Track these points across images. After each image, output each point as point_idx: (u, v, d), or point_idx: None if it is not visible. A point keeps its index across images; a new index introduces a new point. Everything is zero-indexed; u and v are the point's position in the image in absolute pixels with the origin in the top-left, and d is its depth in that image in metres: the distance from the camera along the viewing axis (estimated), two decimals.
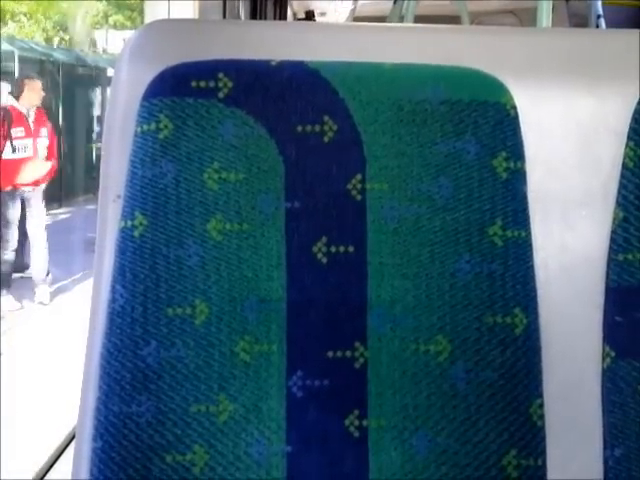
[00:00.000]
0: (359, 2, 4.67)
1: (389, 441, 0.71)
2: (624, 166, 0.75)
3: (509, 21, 3.99)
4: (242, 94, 0.74)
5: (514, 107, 0.74)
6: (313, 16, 4.17)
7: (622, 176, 0.75)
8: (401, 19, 3.21)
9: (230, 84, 0.74)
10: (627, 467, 0.72)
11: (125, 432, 0.71)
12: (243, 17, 2.15)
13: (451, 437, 0.70)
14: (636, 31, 0.81)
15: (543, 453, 0.71)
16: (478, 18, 3.67)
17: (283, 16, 2.85)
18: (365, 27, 0.87)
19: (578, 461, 0.74)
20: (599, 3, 3.03)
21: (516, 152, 0.74)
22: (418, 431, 0.71)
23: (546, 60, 0.79)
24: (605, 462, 0.73)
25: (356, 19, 4.72)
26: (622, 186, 0.75)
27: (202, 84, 0.74)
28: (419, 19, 3.02)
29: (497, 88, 0.75)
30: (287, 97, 0.74)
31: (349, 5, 4.87)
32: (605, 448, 0.73)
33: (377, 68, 0.76)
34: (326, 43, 0.81)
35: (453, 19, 3.18)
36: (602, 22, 3.03)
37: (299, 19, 4.09)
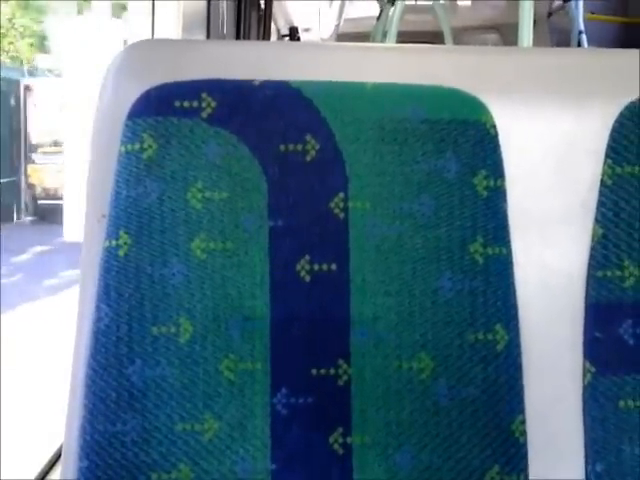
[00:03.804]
0: (343, 19, 4.70)
1: (373, 458, 0.71)
2: (602, 184, 0.76)
3: (491, 37, 4.03)
4: (225, 114, 0.75)
5: (494, 126, 0.75)
6: (297, 32, 4.19)
7: (600, 194, 0.76)
8: (384, 35, 3.23)
9: (213, 104, 0.74)
10: None
11: (111, 451, 0.71)
12: (227, 35, 2.16)
13: (434, 453, 0.71)
14: (614, 50, 0.82)
15: (525, 469, 0.72)
16: (460, 34, 3.69)
17: (267, 33, 2.86)
18: (347, 47, 0.88)
19: (560, 476, 0.74)
20: (581, 19, 3.06)
21: (496, 170, 0.75)
22: (401, 447, 0.71)
23: (526, 79, 0.80)
24: (587, 477, 0.74)
25: (340, 35, 4.74)
26: (601, 204, 0.76)
27: (186, 104, 0.74)
28: (402, 35, 3.04)
29: (477, 107, 0.76)
30: (270, 116, 0.75)
31: (333, 21, 4.90)
32: (587, 463, 0.74)
33: (359, 87, 0.77)
34: (309, 62, 0.82)
35: (436, 35, 3.21)
36: (584, 38, 3.07)
37: (283, 36, 4.10)
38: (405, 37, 3.09)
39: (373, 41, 3.70)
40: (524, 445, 0.72)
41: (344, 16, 4.73)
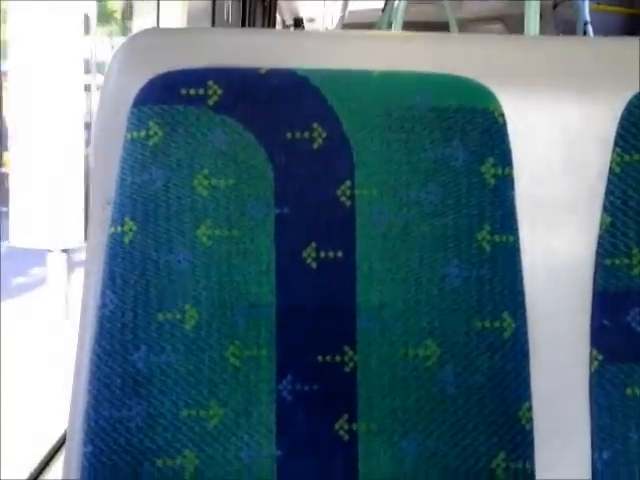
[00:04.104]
0: (348, 9, 4.69)
1: (379, 445, 0.71)
2: (611, 172, 0.76)
3: (496, 28, 4.02)
4: (231, 101, 0.74)
5: (502, 114, 0.75)
6: (302, 23, 4.19)
7: (609, 182, 0.76)
8: (390, 26, 3.23)
9: (219, 91, 0.74)
10: (615, 470, 0.73)
11: (115, 436, 0.71)
12: (232, 26, 2.16)
13: (440, 440, 0.71)
14: (623, 39, 0.82)
15: (531, 456, 0.72)
16: (465, 25, 3.68)
17: (272, 23, 2.86)
18: (354, 35, 0.87)
19: (566, 464, 0.74)
20: (586, 10, 3.05)
21: (504, 158, 0.74)
22: (407, 435, 0.71)
23: (534, 67, 0.80)
24: (593, 465, 0.74)
25: (345, 26, 4.74)
26: (609, 192, 0.76)
27: (192, 92, 0.74)
28: (407, 25, 3.04)
29: (485, 95, 0.75)
30: (276, 104, 0.75)
31: (338, 12, 4.89)
32: (593, 451, 0.74)
33: (366, 75, 0.77)
34: (315, 51, 0.82)
35: (441, 25, 3.20)
36: (589, 28, 3.06)
37: (288, 26, 4.10)
38: (410, 28, 3.09)
39: None
40: (530, 432, 0.72)
41: (349, 7, 4.73)
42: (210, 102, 0.74)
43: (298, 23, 4.18)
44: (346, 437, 0.71)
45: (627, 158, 0.75)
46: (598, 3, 3.28)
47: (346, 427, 0.71)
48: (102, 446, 0.71)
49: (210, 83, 0.74)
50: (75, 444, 0.74)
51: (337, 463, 0.71)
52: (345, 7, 4.75)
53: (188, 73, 0.76)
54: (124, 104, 0.76)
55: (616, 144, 0.76)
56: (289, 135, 0.74)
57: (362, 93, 0.75)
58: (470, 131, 0.74)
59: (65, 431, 0.77)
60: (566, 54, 0.81)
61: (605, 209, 0.75)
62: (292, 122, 0.74)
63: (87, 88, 2.04)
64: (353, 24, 4.55)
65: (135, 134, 0.74)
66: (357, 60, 0.79)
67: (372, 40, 0.85)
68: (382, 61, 0.79)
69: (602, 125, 0.77)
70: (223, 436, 0.71)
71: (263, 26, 2.82)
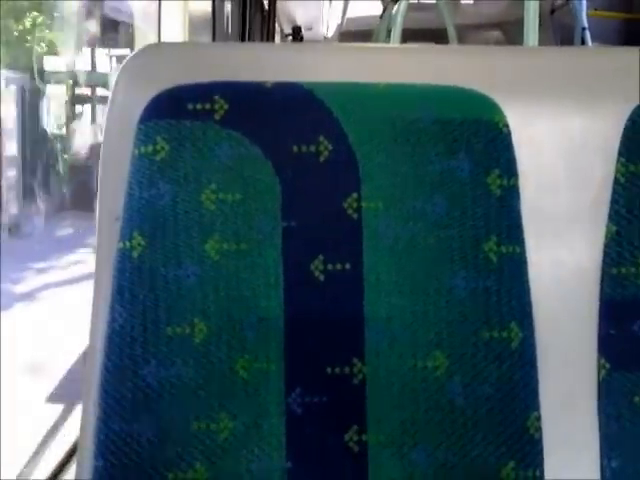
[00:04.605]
0: (345, 17, 4.70)
1: (388, 456, 0.71)
2: (616, 181, 0.76)
3: (494, 35, 4.03)
4: (238, 116, 0.75)
5: (506, 125, 0.75)
6: (300, 31, 4.20)
7: (614, 191, 0.76)
8: (388, 33, 3.24)
9: (226, 106, 0.75)
10: (624, 478, 0.73)
11: (126, 450, 0.71)
12: (231, 35, 2.16)
13: (449, 451, 0.71)
14: (625, 49, 0.82)
15: (541, 465, 0.72)
16: (463, 32, 3.69)
17: (271, 33, 2.87)
18: (357, 47, 0.88)
19: (575, 472, 0.75)
20: (584, 16, 3.06)
21: (509, 169, 0.75)
22: (417, 446, 0.71)
23: (537, 78, 0.80)
24: (602, 473, 0.74)
25: (343, 34, 4.75)
26: (614, 201, 0.76)
27: (198, 106, 0.75)
28: (405, 33, 3.05)
29: (489, 106, 0.76)
30: (282, 118, 0.75)
31: (336, 20, 4.90)
32: (602, 459, 0.74)
33: (371, 88, 0.77)
34: (318, 64, 0.82)
35: (439, 33, 3.21)
36: (587, 34, 3.07)
37: (287, 35, 4.11)
38: (408, 35, 3.10)
39: (376, 39, 3.70)
40: (539, 441, 0.72)
41: (347, 15, 4.74)
42: (216, 117, 0.75)
43: (297, 32, 4.19)
44: (356, 448, 0.71)
45: (632, 168, 0.76)
46: (595, 8, 3.29)
47: (356, 438, 0.71)
48: (113, 460, 0.71)
49: (216, 98, 0.75)
50: (86, 458, 0.74)
51: (347, 475, 0.71)
52: (343, 14, 4.77)
53: (194, 88, 0.76)
54: (131, 120, 0.76)
55: (620, 154, 0.76)
56: (295, 149, 0.74)
57: (367, 106, 0.76)
58: (475, 143, 0.75)
59: (74, 443, 0.77)
60: (569, 65, 0.81)
61: (610, 218, 0.76)
62: (298, 135, 0.75)
63: None
64: (351, 32, 4.57)
65: (142, 149, 0.75)
66: (360, 73, 0.80)
67: (376, 53, 0.85)
68: (385, 74, 0.79)
69: (605, 135, 0.77)
70: (233, 449, 0.71)
71: (262, 35, 2.82)
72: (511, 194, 0.75)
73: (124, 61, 0.81)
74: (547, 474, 0.72)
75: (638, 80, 0.78)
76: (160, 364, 0.72)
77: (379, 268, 0.73)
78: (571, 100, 0.79)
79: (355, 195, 0.74)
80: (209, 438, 0.71)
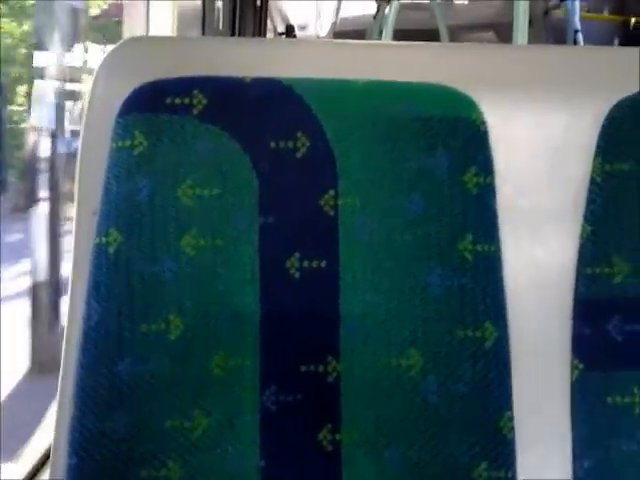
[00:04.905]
0: (339, 17, 4.70)
1: (362, 455, 0.71)
2: (592, 181, 0.76)
3: (487, 36, 4.03)
4: (216, 110, 0.75)
5: (484, 123, 0.75)
6: (293, 30, 4.20)
7: (590, 191, 0.76)
8: (381, 33, 3.24)
9: (205, 101, 0.74)
10: (596, 479, 0.73)
11: (100, 448, 0.71)
12: (222, 32, 2.16)
13: (423, 450, 0.71)
14: (604, 48, 0.83)
15: (513, 465, 0.72)
16: (456, 32, 3.70)
17: (263, 30, 2.86)
18: (340, 44, 0.88)
19: (548, 473, 0.74)
20: (577, 18, 3.07)
21: (486, 167, 0.75)
22: (390, 445, 0.71)
23: (516, 76, 0.80)
24: (574, 474, 0.74)
25: (337, 33, 4.75)
26: (590, 201, 0.76)
27: (177, 101, 0.74)
28: (398, 33, 3.05)
29: (468, 104, 0.76)
30: (261, 113, 0.75)
31: (330, 19, 4.90)
32: (574, 460, 0.74)
33: (350, 84, 0.77)
34: (303, 60, 0.82)
35: (432, 33, 3.21)
36: (580, 37, 3.07)
37: (280, 33, 4.11)
38: (401, 35, 3.09)
39: (369, 39, 3.71)
40: (512, 441, 0.72)
41: (340, 14, 4.74)
42: (195, 111, 0.74)
43: (290, 30, 4.19)
44: (329, 447, 0.71)
45: (608, 167, 0.76)
46: (588, 10, 3.29)
47: (329, 437, 0.71)
48: (87, 458, 0.71)
49: (195, 92, 0.75)
50: (60, 456, 0.74)
51: (321, 474, 0.71)
52: (337, 14, 4.77)
53: (173, 82, 0.76)
54: (110, 113, 0.76)
55: (597, 153, 0.76)
56: (273, 144, 0.74)
57: (346, 102, 0.76)
58: (453, 140, 0.74)
59: (50, 444, 0.77)
60: (547, 63, 0.81)
61: (586, 218, 0.76)
62: (276, 131, 0.74)
63: None
64: (345, 31, 4.56)
65: (120, 143, 0.74)
66: (343, 69, 0.79)
67: (357, 49, 0.85)
68: (368, 70, 0.79)
69: (584, 134, 0.77)
70: (207, 447, 0.71)
71: (254, 33, 2.82)
72: (487, 192, 0.75)
73: (105, 54, 0.81)
74: (519, 474, 0.72)
75: (615, 79, 0.78)
76: (135, 361, 0.71)
77: (355, 265, 0.73)
78: (549, 98, 0.79)
79: (332, 192, 0.74)
80: (183, 436, 0.71)
